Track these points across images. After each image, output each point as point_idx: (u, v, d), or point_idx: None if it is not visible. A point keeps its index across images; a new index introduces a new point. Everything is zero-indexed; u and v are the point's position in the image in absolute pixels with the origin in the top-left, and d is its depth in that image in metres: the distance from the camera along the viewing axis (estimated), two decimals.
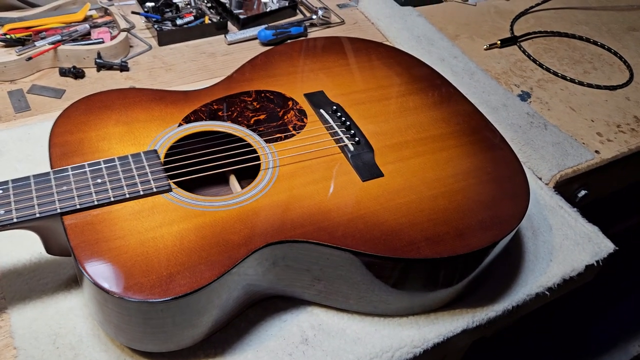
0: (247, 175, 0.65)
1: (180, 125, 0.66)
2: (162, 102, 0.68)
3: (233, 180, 0.68)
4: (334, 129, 0.69)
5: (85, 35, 0.93)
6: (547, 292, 0.69)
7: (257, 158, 0.64)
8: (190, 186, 0.64)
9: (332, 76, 0.78)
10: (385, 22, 1.09)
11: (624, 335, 1.46)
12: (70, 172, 0.56)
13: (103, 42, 0.92)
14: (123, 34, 0.93)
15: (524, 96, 0.96)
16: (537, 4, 1.19)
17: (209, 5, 1.05)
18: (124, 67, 0.91)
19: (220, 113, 0.69)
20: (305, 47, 0.84)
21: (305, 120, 0.70)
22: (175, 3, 1.03)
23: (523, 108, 0.92)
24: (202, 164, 0.62)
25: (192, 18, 1.01)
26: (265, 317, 0.62)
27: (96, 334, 0.58)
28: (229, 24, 1.05)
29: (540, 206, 0.78)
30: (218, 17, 1.03)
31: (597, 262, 0.72)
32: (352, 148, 0.66)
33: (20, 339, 0.57)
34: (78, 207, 0.54)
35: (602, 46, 1.11)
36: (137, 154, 0.60)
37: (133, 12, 1.02)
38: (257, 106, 0.71)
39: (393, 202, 0.61)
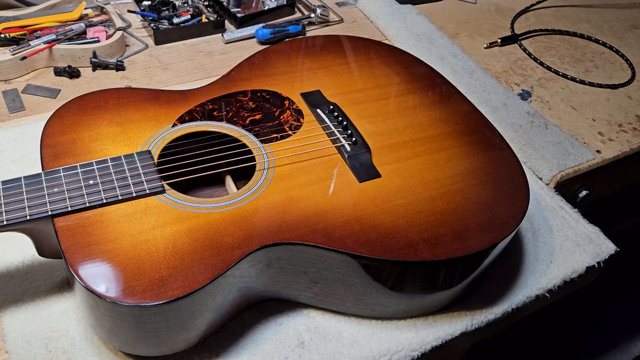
0: (244, 175, 0.64)
1: (174, 125, 0.65)
2: (156, 102, 0.67)
3: (229, 181, 0.67)
4: (331, 129, 0.68)
5: (81, 34, 0.92)
6: (547, 294, 0.68)
7: (253, 159, 0.63)
8: (185, 187, 0.63)
9: (330, 75, 0.77)
10: (385, 20, 1.08)
11: (626, 336, 1.45)
12: (61, 174, 0.56)
13: (99, 41, 0.91)
14: (119, 33, 0.93)
15: (525, 95, 0.95)
16: (538, 2, 1.18)
17: (206, 3, 1.04)
18: (119, 67, 0.90)
19: (215, 113, 0.68)
20: (303, 46, 0.83)
21: (301, 120, 0.69)
22: (172, 1, 1.02)
23: (523, 107, 0.91)
24: (196, 164, 0.61)
25: (189, 17, 1.00)
26: (261, 319, 0.61)
27: (89, 337, 0.57)
28: (226, 22, 1.04)
29: (540, 207, 0.77)
30: (215, 16, 1.02)
31: (598, 263, 0.71)
32: (348, 148, 0.65)
33: (12, 343, 0.56)
34: (69, 209, 0.53)
35: (604, 44, 1.09)
36: (130, 154, 0.59)
37: (129, 11, 1.01)
38: (253, 106, 0.70)
39: (390, 204, 0.60)
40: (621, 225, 1.14)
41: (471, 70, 0.97)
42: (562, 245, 0.73)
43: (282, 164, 0.63)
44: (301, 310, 0.62)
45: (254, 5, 1.07)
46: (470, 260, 0.58)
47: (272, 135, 0.66)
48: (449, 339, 0.62)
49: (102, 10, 0.98)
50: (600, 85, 0.99)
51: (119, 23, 0.95)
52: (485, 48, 1.05)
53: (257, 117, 0.68)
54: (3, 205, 0.52)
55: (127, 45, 0.96)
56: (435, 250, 0.56)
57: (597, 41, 1.10)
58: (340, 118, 0.69)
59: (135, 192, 0.56)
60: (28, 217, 0.52)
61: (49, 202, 0.53)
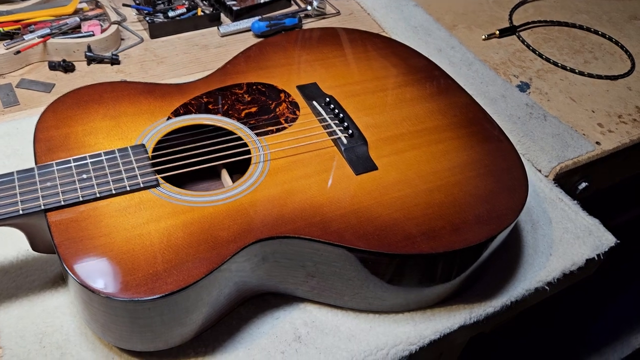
0: (240, 169, 0.64)
1: (169, 118, 0.64)
2: (151, 96, 0.66)
3: (225, 174, 0.67)
4: (327, 121, 0.67)
5: (76, 28, 0.91)
6: (547, 287, 0.68)
7: (248, 152, 0.63)
8: (181, 181, 0.63)
9: (327, 68, 0.77)
10: (382, 12, 1.07)
11: (626, 328, 1.45)
12: (55, 168, 0.55)
13: (93, 35, 0.90)
14: (114, 27, 0.92)
15: (523, 87, 0.95)
16: None
17: None
18: (114, 60, 0.90)
19: (210, 106, 0.67)
20: (300, 38, 0.82)
21: (297, 112, 0.68)
22: None
23: (522, 99, 0.91)
24: (191, 158, 0.61)
25: (184, 10, 0.99)
26: (258, 314, 0.61)
27: (83, 332, 0.57)
28: (222, 15, 1.03)
29: (539, 199, 0.77)
30: (211, 9, 1.01)
31: (598, 255, 0.71)
32: (345, 141, 0.65)
33: (6, 338, 0.56)
34: (62, 203, 0.53)
35: (603, 35, 1.09)
36: (124, 148, 0.58)
37: (124, 5, 1.00)
38: (249, 99, 0.69)
39: (387, 197, 0.59)
40: (621, 217, 1.14)
41: (469, 62, 0.96)
42: (562, 238, 0.72)
43: (277, 157, 0.62)
44: (298, 304, 0.62)
45: None
46: (469, 253, 0.58)
47: (268, 128, 0.65)
48: (447, 332, 0.62)
49: (97, 4, 0.97)
50: (599, 77, 0.98)
51: (113, 17, 0.94)
52: (484, 40, 1.05)
53: (253, 110, 0.68)
54: None
55: (122, 39, 0.95)
56: (433, 243, 0.55)
57: (596, 32, 1.09)
58: (336, 110, 0.69)
59: (129, 186, 0.55)
60: (21, 212, 0.51)
61: (42, 197, 0.52)
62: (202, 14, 1.00)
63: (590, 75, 0.98)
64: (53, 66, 0.87)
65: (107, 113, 0.63)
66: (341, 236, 0.55)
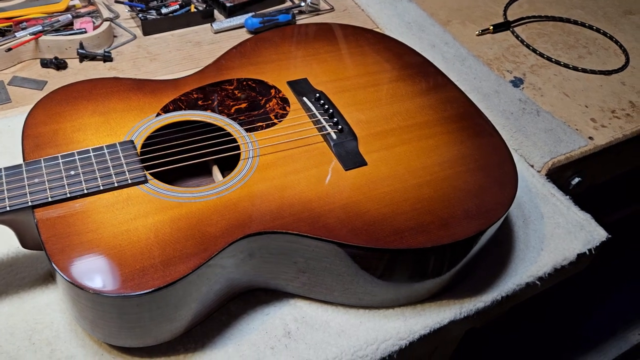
0: (232, 165, 0.64)
1: (158, 115, 0.64)
2: (140, 92, 0.66)
3: (216, 170, 0.67)
4: (317, 117, 0.67)
5: (68, 26, 0.91)
6: (538, 282, 0.68)
7: (238, 148, 0.63)
8: (173, 177, 0.63)
9: (318, 63, 0.77)
10: (376, 8, 1.07)
11: (622, 324, 1.45)
12: (42, 164, 0.55)
13: (86, 32, 0.90)
14: (106, 24, 0.92)
15: (517, 82, 0.94)
16: None
17: None
18: (107, 58, 0.89)
19: (200, 102, 0.67)
20: (292, 34, 0.82)
21: (287, 108, 0.68)
22: None
23: (515, 94, 0.90)
24: (180, 154, 0.61)
25: (177, 7, 0.99)
26: (248, 310, 0.61)
27: (73, 329, 0.57)
28: (216, 12, 1.02)
29: (531, 194, 0.77)
30: (204, 6, 1.01)
31: (590, 250, 0.71)
32: (334, 136, 0.64)
33: None
34: (50, 199, 0.53)
35: (598, 30, 1.08)
36: (113, 144, 0.58)
37: (117, 1, 1.00)
38: (239, 95, 0.69)
39: (376, 192, 0.59)
40: (614, 213, 1.14)
41: (463, 58, 0.96)
42: (553, 233, 0.72)
43: (267, 152, 0.62)
44: (288, 300, 0.62)
45: None
46: (457, 248, 0.58)
47: (258, 124, 0.65)
48: (437, 327, 0.62)
49: (89, 1, 0.97)
50: (593, 72, 0.98)
51: (106, 14, 0.94)
52: (478, 35, 1.04)
53: (243, 105, 0.68)
54: None
55: (114, 36, 0.95)
56: (422, 238, 0.55)
57: (590, 27, 1.09)
58: (326, 106, 0.69)
59: (117, 182, 0.55)
60: (8, 208, 0.51)
61: (29, 193, 0.52)
62: (195, 10, 0.99)
63: (584, 71, 0.98)
64: (45, 63, 0.87)
65: (96, 109, 0.63)
66: (330, 231, 0.55)
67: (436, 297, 0.64)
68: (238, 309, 0.60)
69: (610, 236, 0.72)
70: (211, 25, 0.99)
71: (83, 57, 0.89)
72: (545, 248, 0.70)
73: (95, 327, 0.53)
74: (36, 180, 0.54)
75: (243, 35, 1.00)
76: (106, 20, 0.92)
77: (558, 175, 0.83)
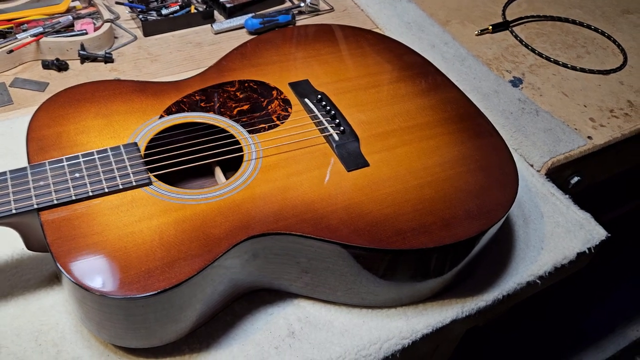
0: (234, 167, 0.64)
1: (161, 117, 0.64)
2: (143, 94, 0.67)
3: (218, 172, 0.67)
4: (319, 118, 0.68)
5: (69, 27, 0.91)
6: (539, 281, 0.68)
7: (240, 149, 0.63)
8: (175, 179, 0.63)
9: (319, 64, 0.77)
10: (375, 8, 1.07)
11: (622, 320, 1.46)
12: (47, 167, 0.55)
13: (86, 33, 0.90)
14: (107, 25, 0.92)
15: (516, 82, 0.95)
16: None
17: None
18: (108, 59, 0.90)
19: (202, 104, 0.67)
20: (292, 35, 0.82)
21: (289, 110, 0.69)
22: None
23: (514, 94, 0.91)
24: (183, 156, 0.61)
25: (177, 7, 0.99)
26: (252, 310, 0.61)
27: (79, 330, 0.57)
28: (216, 13, 1.03)
29: (531, 193, 0.77)
30: (204, 6, 1.01)
31: (589, 249, 0.72)
32: (336, 138, 0.65)
33: (1, 337, 0.56)
34: (55, 202, 0.53)
35: (596, 30, 1.09)
36: (117, 147, 0.59)
37: (117, 3, 1.00)
38: (241, 96, 0.69)
39: (378, 192, 0.59)
40: (613, 212, 1.14)
41: (462, 58, 0.97)
42: (553, 232, 0.73)
43: (269, 154, 0.62)
44: (291, 300, 0.62)
45: None
46: (459, 248, 0.58)
47: (260, 126, 0.66)
48: (440, 326, 0.62)
49: (90, 2, 0.97)
50: (591, 71, 0.99)
51: (106, 15, 0.94)
52: (477, 35, 1.05)
53: (245, 107, 0.68)
54: None
55: (115, 37, 0.95)
56: (423, 238, 0.56)
57: (588, 27, 1.10)
58: (328, 107, 0.69)
59: (122, 185, 0.55)
60: (14, 211, 0.52)
61: (35, 196, 0.53)
62: (195, 11, 1.00)
63: (582, 70, 0.99)
64: (46, 65, 0.87)
65: (99, 112, 0.63)
66: (332, 232, 0.55)
67: (438, 296, 0.64)
68: (242, 309, 0.61)
69: (609, 235, 0.73)
70: (211, 26, 0.99)
71: (84, 59, 0.89)
72: (546, 247, 0.71)
73: (101, 329, 0.53)
74: (41, 182, 0.54)
75: (243, 35, 1.00)
76: (107, 21, 0.93)
77: (557, 174, 0.84)
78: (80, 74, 0.88)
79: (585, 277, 0.87)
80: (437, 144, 0.66)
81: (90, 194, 0.54)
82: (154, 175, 0.58)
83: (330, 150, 0.64)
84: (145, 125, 0.63)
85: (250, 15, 1.00)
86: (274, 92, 0.71)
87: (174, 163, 0.60)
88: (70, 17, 0.91)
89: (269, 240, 0.55)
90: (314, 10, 1.07)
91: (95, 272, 0.49)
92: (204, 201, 0.56)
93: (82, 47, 0.89)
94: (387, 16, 1.05)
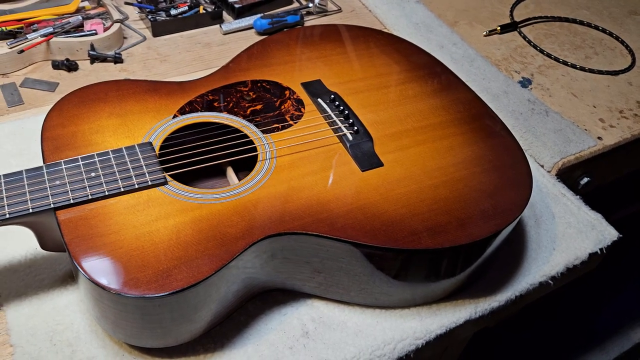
0: (245, 166, 0.64)
1: (175, 116, 0.64)
2: (157, 94, 0.67)
3: (230, 172, 0.67)
4: (332, 118, 0.68)
5: (78, 27, 0.91)
6: (551, 281, 0.68)
7: (254, 149, 0.63)
8: (187, 179, 0.63)
9: (330, 65, 0.77)
10: (383, 9, 1.07)
11: (628, 322, 1.46)
12: (63, 166, 0.55)
13: (96, 33, 0.90)
14: (116, 25, 0.92)
15: (525, 83, 0.95)
16: None
17: None
18: (117, 59, 0.90)
19: (215, 104, 0.67)
20: (302, 36, 0.82)
21: (302, 110, 0.69)
22: None
23: (524, 95, 0.91)
24: (197, 155, 0.61)
25: (186, 8, 0.99)
26: (265, 310, 0.61)
27: (94, 329, 0.57)
28: (224, 13, 1.03)
29: (542, 194, 0.77)
30: (213, 7, 1.01)
31: (601, 250, 0.72)
32: (350, 137, 0.65)
33: (16, 336, 0.56)
34: (72, 201, 0.53)
35: (604, 31, 1.09)
36: (132, 146, 0.59)
37: (126, 3, 1.00)
38: (254, 96, 0.69)
39: (393, 192, 0.59)
40: (623, 211, 1.14)
41: (471, 59, 0.97)
42: (565, 232, 0.73)
43: (283, 154, 0.62)
44: (305, 300, 0.62)
45: None
46: (474, 248, 0.58)
47: (274, 126, 0.66)
48: (453, 327, 0.62)
49: (99, 3, 0.97)
50: (600, 72, 0.99)
51: (116, 15, 0.94)
52: (485, 36, 1.05)
53: (258, 107, 0.68)
54: (5, 198, 0.52)
55: (124, 38, 0.95)
56: (439, 239, 0.56)
57: (596, 27, 1.10)
58: (341, 107, 0.69)
59: (137, 184, 0.55)
60: (30, 210, 0.52)
61: (51, 195, 0.53)
62: (204, 11, 1.00)
63: (591, 71, 0.99)
64: (56, 65, 0.87)
65: (113, 111, 0.63)
66: (348, 232, 0.55)
67: (451, 297, 0.64)
68: (256, 309, 0.61)
69: (621, 236, 0.73)
70: (220, 26, 0.99)
71: (94, 59, 0.89)
72: (557, 248, 0.71)
73: (117, 328, 0.53)
74: (57, 182, 0.54)
75: (252, 36, 1.00)
76: (116, 21, 0.93)
77: (567, 175, 0.84)
78: (90, 74, 0.88)
79: (595, 276, 0.86)
80: (451, 144, 0.66)
81: (107, 193, 0.54)
82: (169, 175, 0.58)
83: (344, 150, 0.64)
84: (159, 125, 0.63)
85: (258, 15, 1.00)
86: (287, 92, 0.71)
87: (188, 163, 0.60)
88: (79, 17, 0.91)
89: (285, 240, 0.55)
90: (322, 11, 1.07)
91: (112, 271, 0.49)
92: (220, 201, 0.56)
93: (92, 48, 0.89)
94: (395, 17, 1.05)
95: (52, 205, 0.52)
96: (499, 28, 1.05)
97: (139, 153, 0.58)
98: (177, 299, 0.50)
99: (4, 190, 0.52)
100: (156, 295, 0.48)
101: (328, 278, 0.60)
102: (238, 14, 1.02)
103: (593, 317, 1.43)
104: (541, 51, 1.02)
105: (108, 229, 0.52)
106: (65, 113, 0.62)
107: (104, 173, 0.55)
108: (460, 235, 0.56)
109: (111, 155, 0.57)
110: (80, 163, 0.56)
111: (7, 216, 0.51)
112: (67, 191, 0.53)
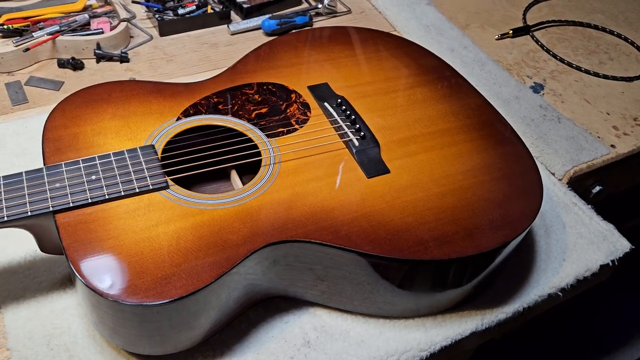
0: (250, 170, 0.63)
1: (178, 119, 0.63)
2: (161, 95, 0.66)
3: (234, 176, 0.66)
4: (338, 123, 0.66)
5: (85, 26, 0.90)
6: (560, 293, 0.67)
7: (259, 153, 0.62)
8: (190, 182, 0.62)
9: (338, 67, 0.76)
10: (393, 11, 1.06)
11: (637, 333, 1.43)
12: (63, 169, 0.54)
13: (103, 32, 0.89)
14: (123, 24, 0.91)
15: (537, 88, 0.93)
16: None
17: None
18: (124, 58, 0.89)
19: (220, 106, 0.66)
20: (310, 37, 0.81)
21: (308, 114, 0.67)
22: None
23: (536, 100, 0.89)
24: (200, 159, 0.60)
25: (194, 7, 0.98)
26: (267, 318, 0.60)
27: (91, 334, 0.56)
28: (232, 13, 1.02)
29: (553, 203, 0.76)
30: (221, 7, 1.00)
31: (612, 261, 0.70)
32: (357, 143, 0.64)
33: (13, 340, 0.55)
34: (71, 205, 0.52)
35: (619, 36, 1.07)
36: (134, 149, 0.58)
37: (134, 2, 0.99)
38: (259, 99, 0.68)
39: (399, 200, 0.58)
40: (636, 221, 1.12)
41: (482, 63, 0.95)
42: (576, 243, 0.71)
43: (288, 159, 0.61)
44: (307, 309, 0.61)
45: None
46: (481, 259, 0.57)
47: (279, 130, 0.65)
48: (459, 339, 0.61)
49: (106, 1, 0.96)
50: (614, 78, 0.97)
51: (123, 14, 0.93)
52: (497, 39, 1.03)
53: (263, 110, 0.67)
54: (4, 200, 0.51)
55: (131, 37, 0.94)
56: (446, 249, 0.54)
57: (611, 32, 1.07)
58: (348, 112, 0.68)
59: (138, 188, 0.54)
60: (29, 213, 0.51)
61: (51, 198, 0.52)
62: (212, 11, 0.99)
63: (605, 77, 0.97)
64: (62, 64, 0.87)
65: (116, 113, 0.62)
66: (352, 240, 0.54)
67: (457, 307, 0.63)
68: (257, 316, 0.60)
69: (633, 247, 0.71)
70: (228, 26, 0.98)
71: (100, 58, 0.89)
72: (568, 259, 0.69)
73: (115, 334, 0.52)
74: (57, 184, 0.53)
75: (260, 36, 0.99)
76: (123, 20, 0.92)
77: (579, 183, 0.82)
78: (95, 73, 0.87)
79: (606, 286, 0.84)
80: (460, 151, 0.65)
81: (107, 196, 0.53)
82: (171, 179, 0.57)
83: (350, 156, 0.63)
84: (162, 128, 0.62)
85: (267, 16, 0.99)
86: (293, 96, 0.70)
87: (191, 167, 0.59)
88: (86, 15, 0.91)
89: (287, 248, 0.54)
90: (332, 12, 1.05)
91: (110, 277, 0.48)
92: (221, 206, 0.55)
93: (98, 46, 0.88)
94: (405, 19, 1.04)
95: (51, 209, 0.51)
96: (511, 32, 1.03)
97: (140, 156, 0.57)
98: (177, 307, 0.49)
99: (2, 193, 0.51)
100: (155, 303, 0.47)
101: (331, 286, 0.59)
102: (246, 14, 1.01)
103: (602, 328, 1.41)
104: (554, 56, 1.00)
105: (107, 234, 0.51)
106: (68, 114, 0.61)
107: (104, 176, 0.54)
108: (468, 246, 0.55)
109: (112, 158, 0.56)
110: (81, 165, 0.55)
111: (6, 219, 0.50)
112: (67, 194, 0.52)
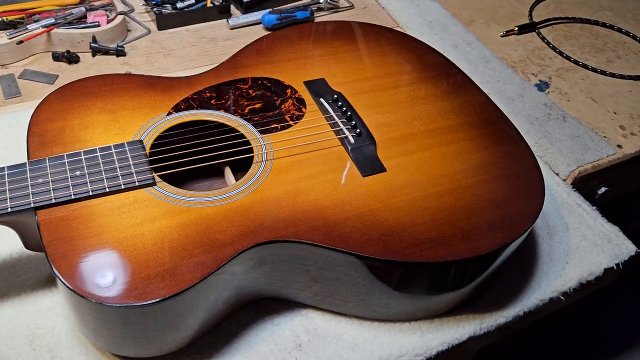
0: (245, 167, 0.61)
1: (169, 114, 0.62)
2: (152, 89, 0.64)
3: (228, 172, 0.64)
4: (334, 119, 0.64)
5: (81, 19, 0.89)
6: (562, 297, 0.64)
7: (250, 150, 0.60)
8: (183, 179, 0.60)
9: (336, 63, 0.74)
10: (397, 6, 1.04)
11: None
12: (47, 164, 0.53)
13: (99, 25, 0.88)
14: (120, 17, 0.89)
15: (542, 86, 0.91)
16: None
17: None
18: (120, 52, 0.87)
19: (213, 101, 0.64)
20: (310, 32, 0.79)
21: (303, 110, 0.65)
22: None
23: (540, 99, 0.87)
24: (190, 155, 0.58)
25: (193, 1, 0.96)
26: (257, 319, 0.58)
27: (76, 335, 0.55)
28: (232, 7, 1.00)
29: (556, 204, 0.73)
30: (220, 0, 0.98)
31: (617, 265, 0.67)
32: (352, 140, 0.62)
33: None
34: (53, 201, 0.50)
35: (627, 33, 1.04)
36: (121, 144, 0.56)
37: None
38: (253, 94, 0.66)
39: (395, 200, 0.56)
40: (636, 223, 1.10)
41: (486, 60, 0.93)
42: (579, 245, 0.69)
43: (281, 156, 0.59)
44: (299, 310, 0.59)
45: None
46: (480, 262, 0.55)
47: (272, 126, 0.63)
48: (456, 343, 0.59)
49: None
50: (622, 77, 0.94)
51: (120, 7, 0.92)
52: (502, 36, 1.01)
53: (257, 106, 0.65)
54: None
55: (128, 30, 0.93)
56: (442, 251, 0.52)
57: (619, 30, 1.05)
58: (344, 108, 0.66)
59: (124, 184, 0.53)
60: (9, 210, 0.49)
61: (32, 194, 0.50)
62: (211, 5, 0.97)
63: (612, 75, 0.94)
64: (57, 57, 0.85)
65: (105, 107, 0.61)
66: (345, 241, 0.52)
67: (455, 311, 0.61)
68: (247, 318, 0.58)
69: (639, 250, 0.69)
70: (227, 20, 0.96)
71: (96, 51, 0.87)
72: (571, 261, 0.67)
73: (98, 336, 0.51)
74: (40, 180, 0.51)
75: (259, 31, 0.97)
76: (120, 13, 0.90)
77: (583, 184, 0.79)
78: (91, 67, 0.86)
79: (610, 289, 0.82)
80: (459, 150, 0.63)
81: (91, 193, 0.51)
82: (159, 175, 0.55)
83: (345, 153, 0.61)
84: (152, 122, 0.60)
85: (267, 10, 0.97)
86: (288, 91, 0.68)
87: (180, 163, 0.57)
88: (83, 8, 0.89)
89: (277, 248, 0.52)
90: (333, 7, 1.03)
91: (92, 277, 0.46)
92: (210, 204, 0.53)
93: (94, 40, 0.86)
94: (408, 14, 1.02)
95: (32, 205, 0.50)
96: (516, 28, 1.01)
97: (127, 151, 0.55)
98: (161, 308, 0.47)
99: None
100: (137, 304, 0.46)
101: (324, 288, 0.57)
102: (246, 8, 0.99)
103: (606, 331, 1.39)
104: (560, 53, 0.97)
105: (90, 232, 0.49)
106: (55, 107, 0.60)
107: (89, 172, 0.53)
108: (465, 249, 0.53)
109: (98, 153, 0.55)
110: (66, 161, 0.53)
111: None
112: (50, 190, 0.51)
